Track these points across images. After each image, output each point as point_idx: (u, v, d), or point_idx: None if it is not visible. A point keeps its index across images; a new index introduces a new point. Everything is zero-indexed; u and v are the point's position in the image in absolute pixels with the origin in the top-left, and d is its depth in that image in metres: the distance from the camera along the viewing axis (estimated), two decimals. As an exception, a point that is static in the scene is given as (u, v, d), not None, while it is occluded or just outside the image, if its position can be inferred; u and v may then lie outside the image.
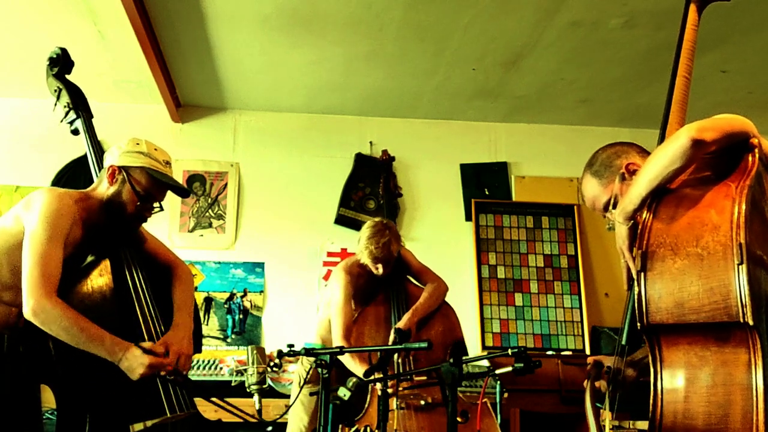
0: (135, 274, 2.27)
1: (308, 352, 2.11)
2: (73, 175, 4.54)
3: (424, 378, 2.89)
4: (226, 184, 4.80)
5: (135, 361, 2.02)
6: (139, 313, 2.21)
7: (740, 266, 1.43)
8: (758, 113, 4.00)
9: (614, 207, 1.80)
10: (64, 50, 2.71)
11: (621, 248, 1.68)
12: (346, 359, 2.89)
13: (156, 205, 2.30)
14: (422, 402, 2.90)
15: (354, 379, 1.87)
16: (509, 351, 1.87)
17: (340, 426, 1.86)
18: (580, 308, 4.75)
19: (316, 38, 3.87)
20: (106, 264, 2.28)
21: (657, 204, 1.62)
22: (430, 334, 3.10)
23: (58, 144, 4.42)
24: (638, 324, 1.58)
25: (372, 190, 4.85)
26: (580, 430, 1.90)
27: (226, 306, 4.61)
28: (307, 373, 2.98)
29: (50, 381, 2.15)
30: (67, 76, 2.70)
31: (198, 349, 2.38)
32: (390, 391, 2.70)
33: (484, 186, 5.00)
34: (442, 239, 4.84)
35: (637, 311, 1.57)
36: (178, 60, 4.17)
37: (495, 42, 3.90)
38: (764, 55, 4.01)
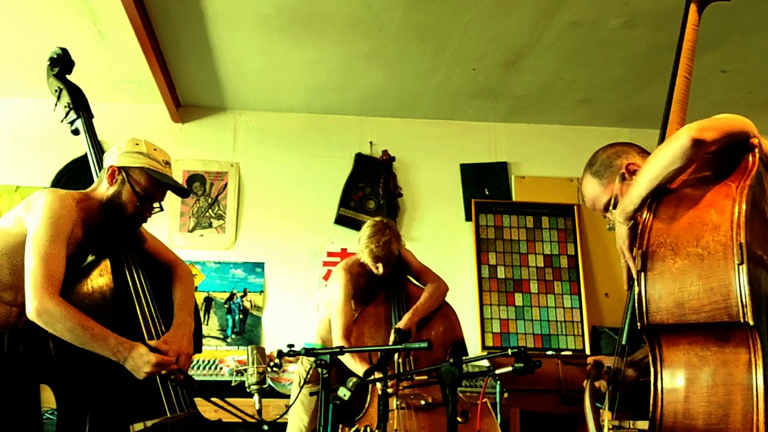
0: (135, 274, 2.27)
1: (308, 352, 2.11)
2: (73, 175, 4.54)
3: (425, 377, 2.89)
4: (226, 184, 4.80)
5: (141, 360, 2.01)
6: (139, 312, 2.21)
7: (740, 266, 1.43)
8: (758, 113, 4.00)
9: (614, 207, 1.80)
10: (64, 50, 2.71)
11: (621, 248, 1.68)
12: (347, 359, 2.89)
13: (156, 205, 2.30)
14: (422, 402, 2.90)
15: (354, 379, 1.87)
16: (509, 351, 1.87)
17: (340, 426, 1.86)
18: (580, 308, 4.75)
19: (316, 38, 3.87)
20: (106, 264, 2.28)
21: (657, 204, 1.62)
22: (430, 334, 3.10)
23: (58, 144, 4.42)
24: (638, 324, 1.58)
25: (372, 190, 4.85)
26: (580, 430, 1.90)
27: (226, 306, 4.61)
28: (307, 373, 2.98)
29: (50, 381, 2.15)
30: (67, 76, 2.70)
31: (198, 349, 2.38)
32: (390, 391, 2.70)
33: (484, 186, 5.00)
34: (442, 239, 4.84)
35: (637, 311, 1.57)
36: (178, 60, 4.17)
37: (495, 42, 3.90)
38: (764, 55, 4.01)
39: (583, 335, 4.69)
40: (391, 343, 2.94)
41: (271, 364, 2.30)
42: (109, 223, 2.26)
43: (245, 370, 2.27)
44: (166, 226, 4.61)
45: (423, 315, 3.11)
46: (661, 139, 1.86)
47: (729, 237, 1.47)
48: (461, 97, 4.68)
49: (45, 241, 2.03)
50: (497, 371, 2.27)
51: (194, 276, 4.36)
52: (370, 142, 4.95)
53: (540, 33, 3.79)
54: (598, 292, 4.88)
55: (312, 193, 4.84)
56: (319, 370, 2.02)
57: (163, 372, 2.05)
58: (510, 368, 1.91)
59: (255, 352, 2.25)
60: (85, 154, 2.59)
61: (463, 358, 1.90)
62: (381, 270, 3.12)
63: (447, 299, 3.27)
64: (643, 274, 1.56)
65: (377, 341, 3.08)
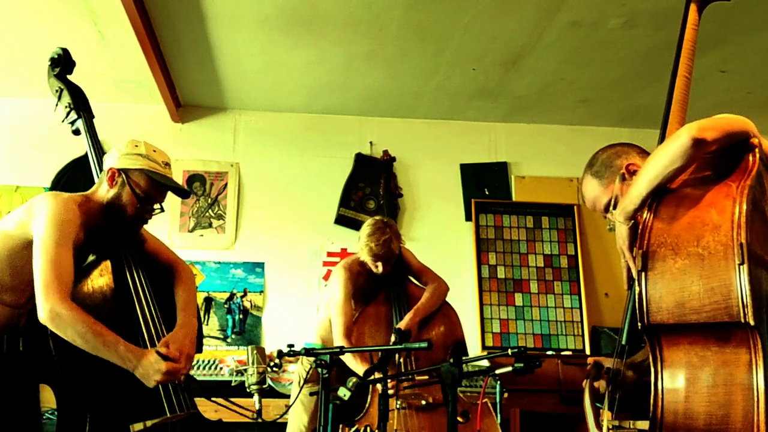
0: (136, 275, 2.27)
1: (308, 352, 2.11)
2: (73, 175, 4.54)
3: (426, 377, 2.89)
4: (226, 184, 4.80)
5: (151, 368, 1.98)
6: (139, 313, 2.21)
7: (741, 266, 1.43)
8: (758, 113, 3.99)
9: (615, 207, 1.79)
10: (65, 51, 2.71)
11: (621, 248, 1.68)
12: (348, 358, 2.89)
13: (156, 206, 2.30)
14: (423, 402, 2.90)
15: (354, 379, 1.87)
16: (509, 351, 1.87)
17: (340, 426, 1.86)
18: (580, 308, 4.75)
19: (316, 38, 3.87)
20: (106, 264, 2.28)
21: (657, 204, 1.62)
22: (430, 334, 3.10)
23: (58, 144, 4.42)
24: (639, 324, 1.57)
25: (372, 190, 4.85)
26: (580, 430, 1.90)
27: (226, 306, 4.61)
28: (307, 373, 2.98)
29: (50, 381, 2.15)
30: (68, 77, 2.70)
31: (199, 349, 2.37)
32: (391, 391, 2.70)
33: (484, 186, 5.00)
34: (442, 239, 4.83)
35: (637, 311, 1.57)
36: (178, 60, 4.17)
37: (495, 42, 3.90)
38: (764, 55, 4.01)
39: (583, 335, 4.69)
40: (391, 343, 2.94)
41: (271, 364, 2.30)
42: (109, 225, 2.25)
43: (245, 370, 2.28)
44: (166, 226, 4.61)
45: (424, 315, 3.11)
46: (661, 139, 1.86)
47: (729, 237, 1.47)
48: (461, 97, 4.68)
49: (53, 244, 2.02)
50: (497, 371, 2.28)
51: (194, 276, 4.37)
52: (370, 142, 4.94)
53: (540, 33, 3.79)
54: (598, 292, 4.88)
55: (312, 193, 4.84)
56: (319, 370, 2.02)
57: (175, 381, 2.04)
58: (510, 368, 1.91)
59: (255, 352, 2.25)
60: (85, 154, 2.60)
61: (463, 358, 1.90)
62: (381, 269, 3.12)
63: (447, 299, 3.27)
64: (643, 274, 1.56)
65: (378, 341, 3.08)
